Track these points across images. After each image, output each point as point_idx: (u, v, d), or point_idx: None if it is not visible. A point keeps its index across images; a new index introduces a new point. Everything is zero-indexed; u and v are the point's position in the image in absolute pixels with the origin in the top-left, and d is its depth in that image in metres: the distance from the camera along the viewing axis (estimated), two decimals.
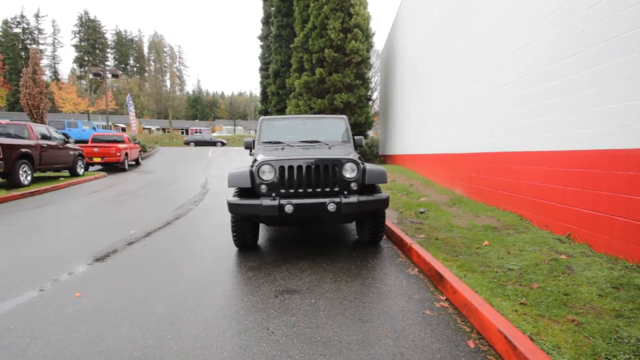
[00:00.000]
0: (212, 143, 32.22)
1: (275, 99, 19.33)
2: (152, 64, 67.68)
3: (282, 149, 4.50)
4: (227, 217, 5.51)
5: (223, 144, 32.24)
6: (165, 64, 65.34)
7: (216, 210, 6.24)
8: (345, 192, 3.61)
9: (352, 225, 5.15)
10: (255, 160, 3.79)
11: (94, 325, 2.21)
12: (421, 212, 5.56)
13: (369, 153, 18.16)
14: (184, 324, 2.22)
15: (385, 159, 16.89)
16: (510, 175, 4.86)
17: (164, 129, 57.06)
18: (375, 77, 24.07)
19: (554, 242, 3.62)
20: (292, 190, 3.59)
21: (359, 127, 16.02)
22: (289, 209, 3.34)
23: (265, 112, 24.15)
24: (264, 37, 23.69)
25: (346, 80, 14.78)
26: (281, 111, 19.39)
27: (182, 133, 53.17)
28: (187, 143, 31.86)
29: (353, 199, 3.51)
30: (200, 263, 3.49)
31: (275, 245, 4.14)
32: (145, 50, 72.45)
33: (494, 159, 5.33)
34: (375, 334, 2.10)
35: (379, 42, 49.63)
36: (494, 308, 2.15)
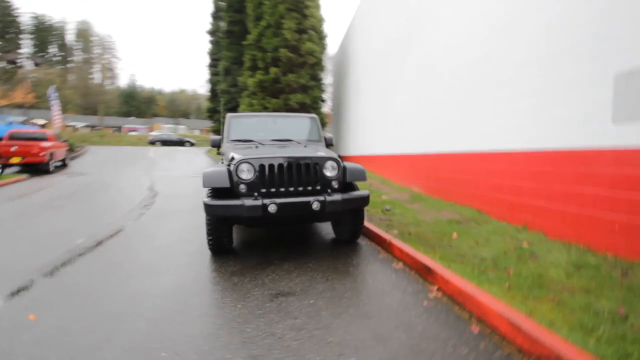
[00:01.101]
0: (180, 143, 30.32)
1: (225, 97, 18.55)
2: (79, 53, 60.47)
3: (256, 147, 4.33)
4: (187, 221, 5.16)
5: (192, 144, 30.47)
6: (94, 55, 59.00)
7: (172, 214, 5.78)
8: (329, 191, 3.59)
9: (326, 224, 5.15)
10: (232, 159, 3.58)
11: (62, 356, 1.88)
12: (387, 210, 5.76)
13: None
14: (179, 342, 1.99)
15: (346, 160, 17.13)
16: (468, 173, 5.27)
17: (92, 126, 51.44)
18: (326, 79, 24.43)
19: (513, 231, 4.01)
20: (273, 190, 3.46)
21: None
22: (272, 208, 3.21)
23: (213, 111, 23.07)
24: (213, 32, 22.63)
25: (301, 81, 14.78)
26: (232, 110, 18.68)
27: (115, 131, 48.41)
28: (152, 142, 29.64)
29: (337, 197, 3.50)
30: (174, 271, 3.19)
31: (251, 248, 3.96)
32: (70, 37, 64.54)
33: (453, 159, 5.74)
34: (386, 329, 2.11)
35: (329, 45, 50.48)
36: (489, 293, 2.31)
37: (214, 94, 22.59)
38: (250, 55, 15.93)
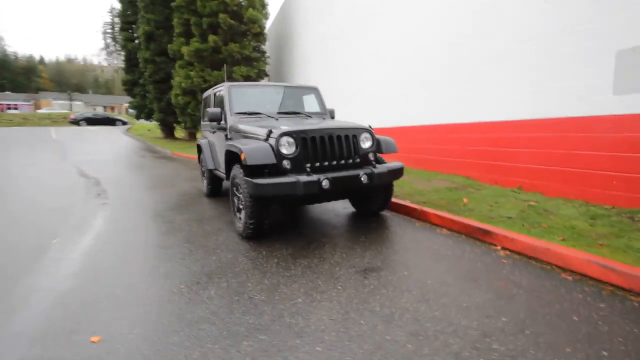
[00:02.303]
0: (111, 121, 25.38)
1: (150, 67, 16.16)
2: None
3: (276, 119, 3.95)
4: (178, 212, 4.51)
5: (124, 123, 25.86)
6: None
7: (136, 203, 5.00)
8: (371, 164, 3.50)
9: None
10: (270, 132, 3.15)
11: None
12: None
13: None
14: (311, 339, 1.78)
15: None
16: (456, 143, 5.68)
17: None
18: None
19: (512, 193, 4.52)
20: (317, 164, 3.23)
21: None
22: (325, 184, 3.01)
23: (132, 83, 20.01)
24: None
25: (245, 52, 13.72)
26: (161, 82, 16.47)
27: None
28: (74, 122, 23.94)
29: (383, 168, 3.45)
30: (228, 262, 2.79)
31: (274, 229, 3.65)
32: None
33: (439, 130, 6.09)
34: (497, 287, 2.24)
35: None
36: (561, 246, 2.59)
37: (131, 64, 19.52)
38: (181, 20, 14.10)
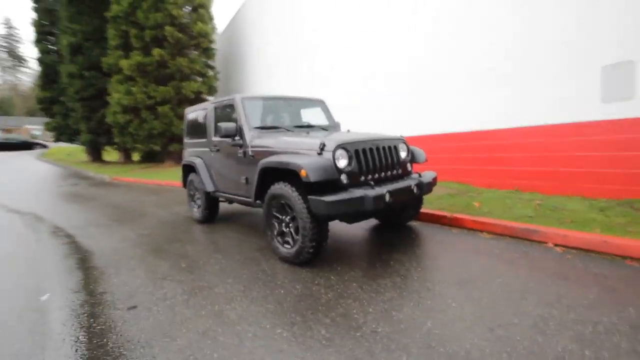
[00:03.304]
0: (27, 145, 20.96)
1: (77, 82, 14.10)
2: None
3: (307, 133, 3.69)
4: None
5: (44, 147, 21.51)
6: None
7: (119, 240, 4.23)
8: (409, 173, 3.46)
9: None
10: (323, 146, 2.87)
11: None
12: None
13: None
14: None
15: None
16: (447, 152, 6.00)
17: None
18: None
19: (511, 195, 4.88)
20: (369, 177, 3.07)
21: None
22: (388, 198, 2.86)
23: (51, 101, 17.25)
24: None
25: (196, 67, 12.92)
26: (91, 99, 14.50)
27: None
28: None
29: (428, 178, 3.43)
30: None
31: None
32: None
33: (426, 140, 6.37)
34: (592, 283, 2.32)
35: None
36: (614, 236, 2.83)
37: (48, 80, 16.89)
38: (118, 32, 12.78)
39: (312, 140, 3.02)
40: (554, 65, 4.48)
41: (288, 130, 3.87)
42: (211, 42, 13.40)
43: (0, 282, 2.99)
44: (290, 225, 2.99)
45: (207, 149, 4.50)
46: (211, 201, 4.64)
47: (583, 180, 4.31)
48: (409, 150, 3.60)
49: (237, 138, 3.75)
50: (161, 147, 13.77)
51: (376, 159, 3.15)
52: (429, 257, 3.04)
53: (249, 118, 3.80)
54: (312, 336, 1.88)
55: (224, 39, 15.43)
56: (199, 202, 4.83)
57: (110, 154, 18.81)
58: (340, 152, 2.89)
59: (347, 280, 2.59)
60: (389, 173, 3.27)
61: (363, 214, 2.94)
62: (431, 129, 6.14)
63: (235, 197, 4.01)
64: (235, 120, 3.90)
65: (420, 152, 3.75)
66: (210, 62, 14.01)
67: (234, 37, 14.90)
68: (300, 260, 2.89)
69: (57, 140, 18.36)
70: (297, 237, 2.87)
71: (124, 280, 2.86)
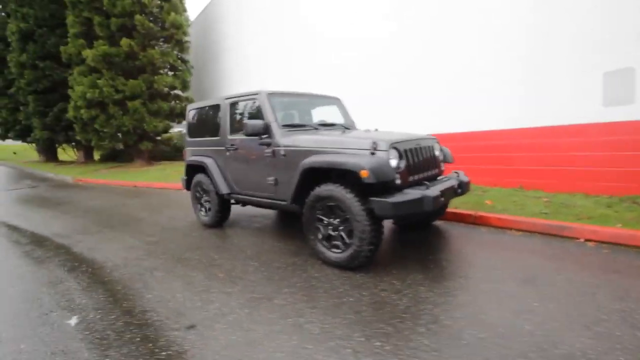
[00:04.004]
0: None
1: (29, 73, 12.55)
2: None
3: (342, 132, 3.56)
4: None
5: None
6: None
7: (126, 249, 3.85)
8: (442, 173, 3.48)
9: None
10: (375, 145, 2.74)
11: None
12: None
13: (181, 149, 15.74)
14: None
15: None
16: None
17: None
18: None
19: (515, 192, 5.11)
20: (416, 177, 3.03)
21: (184, 117, 13.67)
22: (441, 198, 2.83)
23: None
24: None
25: (169, 60, 12.11)
26: (46, 92, 13.00)
27: None
28: None
29: (465, 178, 3.46)
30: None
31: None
32: None
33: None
34: (632, 277, 2.47)
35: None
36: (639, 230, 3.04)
37: None
38: (79, 19, 11.66)
39: (360, 140, 2.90)
40: (558, 70, 4.75)
41: (316, 129, 3.72)
42: (185, 34, 12.64)
43: (5, 306, 2.54)
44: (340, 228, 2.85)
45: (220, 148, 4.18)
46: (224, 204, 4.34)
47: (584, 179, 4.62)
48: (441, 150, 3.62)
49: (264, 136, 3.52)
50: (130, 145, 12.78)
51: (420, 158, 3.12)
52: (477, 257, 3.05)
53: (277, 115, 3.59)
54: (417, 347, 1.79)
55: (194, 31, 14.64)
56: (208, 205, 4.50)
57: (66, 153, 17.11)
58: (392, 151, 2.81)
59: (411, 285, 2.52)
60: (429, 172, 3.26)
61: (420, 214, 2.89)
62: (432, 129, 6.26)
63: (259, 199, 3.77)
64: (255, 118, 3.68)
65: (448, 152, 3.78)
66: (183, 56, 13.24)
67: (206, 29, 14.19)
68: (354, 265, 2.77)
69: (4, 137, 16.24)
70: (351, 240, 2.75)
71: (161, 295, 2.55)
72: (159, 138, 14.14)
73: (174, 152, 16.04)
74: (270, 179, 3.54)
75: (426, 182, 2.91)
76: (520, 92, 5.15)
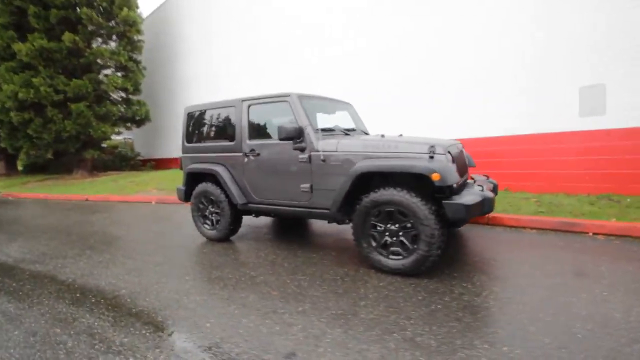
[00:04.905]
0: None
1: None
2: None
3: (381, 136, 3.49)
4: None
5: None
6: None
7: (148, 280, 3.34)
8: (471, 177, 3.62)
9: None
10: (432, 149, 2.72)
11: None
12: None
13: (129, 158, 14.33)
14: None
15: (160, 164, 13.90)
16: None
17: None
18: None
19: (505, 194, 5.52)
20: (460, 181, 3.10)
21: (135, 123, 12.44)
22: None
23: None
24: None
25: (120, 60, 10.92)
26: None
27: None
28: None
29: (493, 181, 3.62)
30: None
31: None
32: None
33: None
34: (616, 270, 2.81)
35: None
36: (636, 222, 3.48)
37: None
38: (10, 7, 9.94)
39: (415, 144, 2.87)
40: (539, 84, 5.33)
41: (346, 134, 3.62)
42: (139, 32, 11.57)
43: None
44: (400, 234, 2.77)
45: (236, 154, 3.83)
46: (237, 215, 3.98)
47: (564, 180, 5.20)
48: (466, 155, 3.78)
49: (299, 141, 3.31)
50: (67, 154, 11.16)
51: (461, 163, 3.20)
52: (518, 255, 3.20)
53: (312, 118, 3.41)
54: (542, 346, 1.76)
55: (146, 31, 13.50)
56: (216, 217, 4.08)
57: None
58: (448, 155, 2.84)
59: (483, 286, 2.53)
60: (465, 176, 3.36)
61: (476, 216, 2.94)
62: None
63: (286, 208, 3.51)
64: (281, 121, 3.47)
65: (470, 157, 3.96)
66: (135, 56, 12.07)
67: (161, 27, 13.17)
68: (419, 271, 2.70)
69: None
70: (416, 245, 2.68)
71: (222, 322, 2.19)
72: (104, 145, 12.63)
73: (118, 162, 14.47)
74: (305, 186, 3.33)
75: (481, 188, 2.99)
76: (501, 103, 5.66)
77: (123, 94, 11.69)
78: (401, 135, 4.23)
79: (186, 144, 4.37)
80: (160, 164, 13.82)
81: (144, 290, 2.76)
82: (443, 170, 2.56)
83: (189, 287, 2.80)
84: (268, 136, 3.71)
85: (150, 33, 13.21)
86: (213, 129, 4.13)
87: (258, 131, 3.74)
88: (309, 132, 3.29)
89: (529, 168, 5.49)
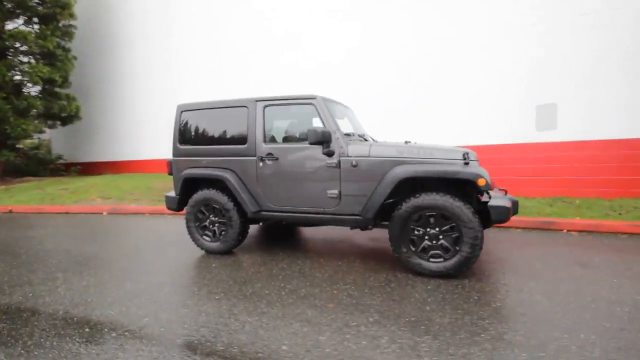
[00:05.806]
0: None
1: None
2: None
3: (375, 143, 3.54)
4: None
5: None
6: None
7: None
8: None
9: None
10: (466, 155, 2.88)
11: None
12: None
13: (49, 162, 12.17)
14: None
15: (87, 169, 12.15)
16: None
17: None
18: None
19: None
20: None
21: (61, 120, 10.70)
22: None
23: None
24: None
25: (47, 45, 9.29)
26: None
27: None
28: None
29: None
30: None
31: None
32: None
33: None
34: (621, 257, 3.40)
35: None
36: (609, 221, 4.14)
37: None
38: None
39: (450, 150, 3.01)
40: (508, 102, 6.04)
41: (364, 139, 3.63)
42: (72, 16, 10.01)
43: None
44: (441, 237, 2.87)
45: (248, 158, 3.54)
46: (246, 224, 3.68)
47: (523, 185, 5.96)
48: None
49: (326, 146, 3.21)
50: None
51: None
52: (522, 254, 3.54)
53: (337, 123, 3.34)
54: (617, 336, 1.99)
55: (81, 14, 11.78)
56: (219, 227, 3.71)
57: None
58: (478, 161, 3.04)
59: (519, 284, 2.74)
60: None
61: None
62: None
63: (309, 215, 3.36)
64: (303, 125, 3.37)
65: None
66: (65, 43, 10.39)
67: (95, 15, 11.58)
68: (460, 271, 2.82)
69: None
70: (458, 247, 2.79)
71: (299, 343, 1.98)
72: (20, 146, 10.57)
73: (35, 166, 12.24)
74: (333, 192, 3.23)
75: (505, 192, 3.25)
76: (476, 116, 6.28)
77: (48, 86, 9.94)
78: (408, 141, 4.39)
79: (179, 146, 3.90)
80: (89, 168, 12.05)
81: (175, 317, 2.36)
82: (486, 176, 2.73)
83: (227, 307, 2.49)
84: (288, 140, 3.53)
85: (81, 19, 11.53)
86: (216, 130, 3.77)
87: (276, 134, 3.53)
88: (338, 136, 3.22)
89: (494, 175, 6.15)
